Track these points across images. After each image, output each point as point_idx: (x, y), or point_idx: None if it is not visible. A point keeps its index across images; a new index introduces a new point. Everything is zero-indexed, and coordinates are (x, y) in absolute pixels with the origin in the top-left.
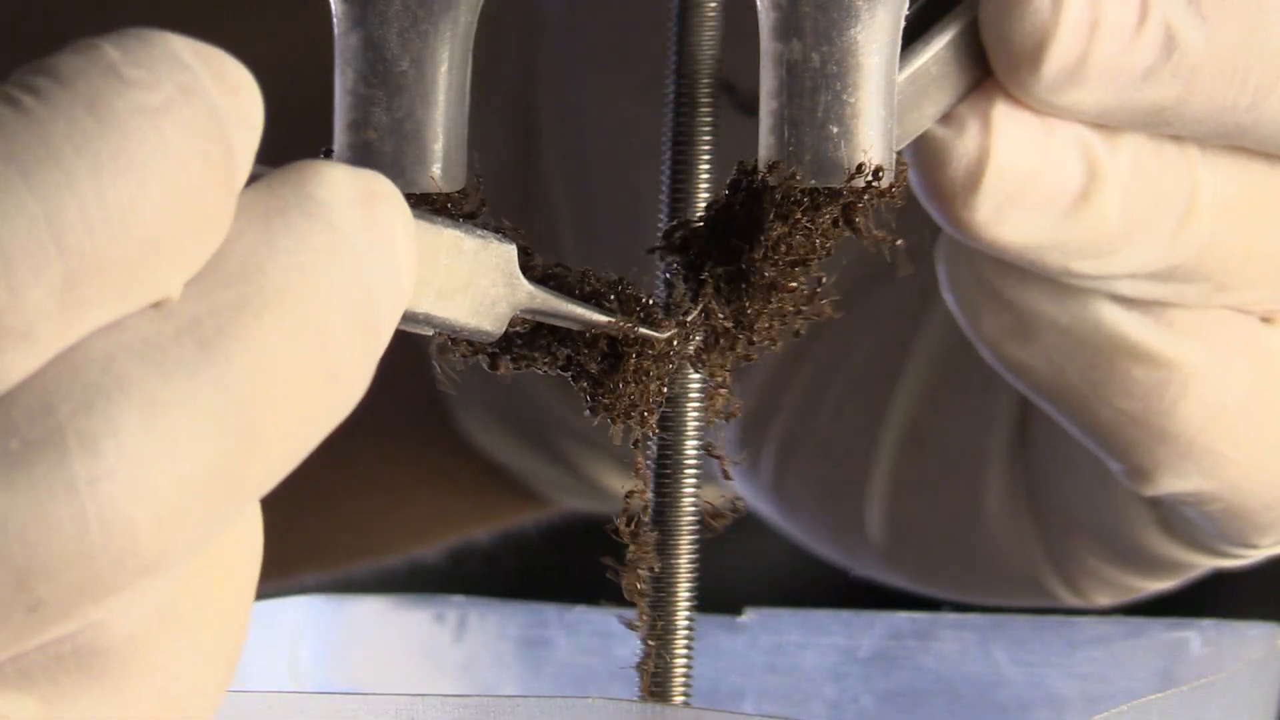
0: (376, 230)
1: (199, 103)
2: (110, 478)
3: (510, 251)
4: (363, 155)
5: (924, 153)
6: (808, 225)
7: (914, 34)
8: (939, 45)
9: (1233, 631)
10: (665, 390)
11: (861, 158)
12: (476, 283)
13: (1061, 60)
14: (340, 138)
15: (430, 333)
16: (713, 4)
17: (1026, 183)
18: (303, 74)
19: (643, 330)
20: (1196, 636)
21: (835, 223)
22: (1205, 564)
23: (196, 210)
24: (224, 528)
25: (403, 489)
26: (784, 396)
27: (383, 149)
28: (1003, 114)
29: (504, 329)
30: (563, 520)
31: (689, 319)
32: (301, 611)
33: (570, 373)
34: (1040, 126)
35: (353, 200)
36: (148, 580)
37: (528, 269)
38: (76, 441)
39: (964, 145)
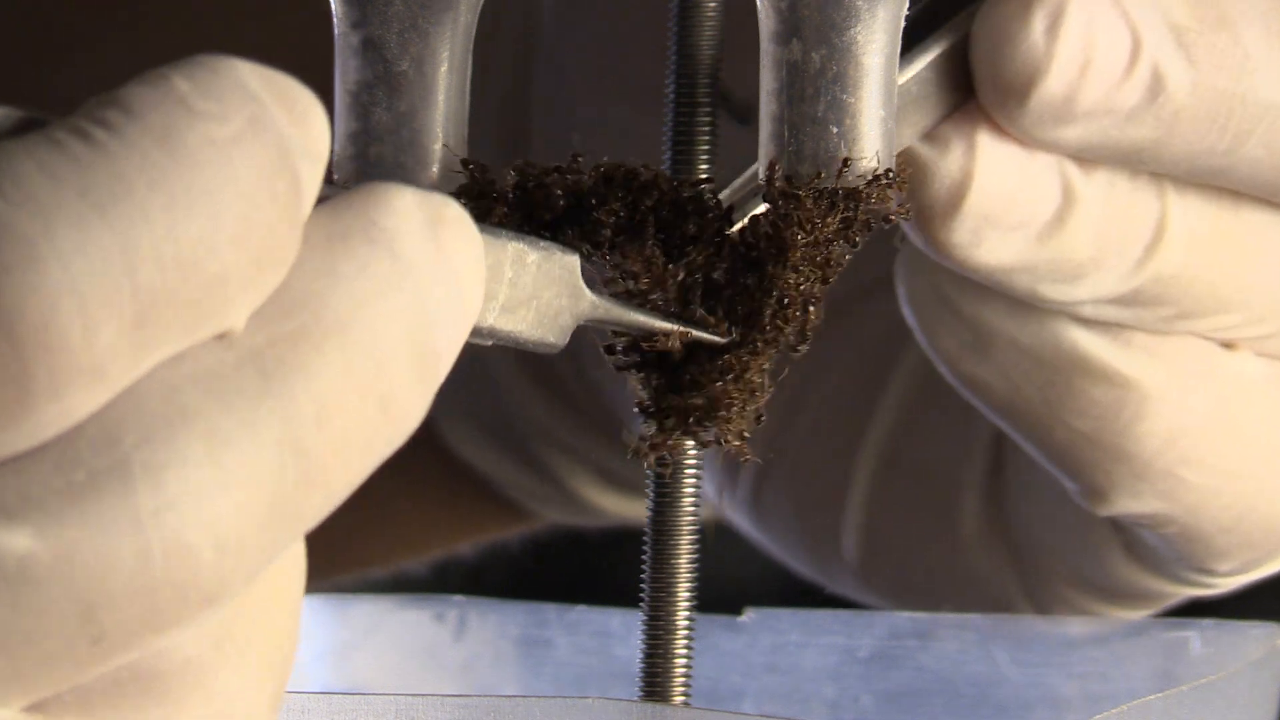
0: (442, 256)
1: (268, 135)
2: (174, 508)
3: (573, 262)
4: (363, 155)
5: (904, 171)
6: (820, 227)
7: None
8: (920, 66)
9: (1233, 631)
10: (754, 399)
11: (863, 157)
12: (540, 295)
13: (1050, 97)
14: (340, 138)
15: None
16: (713, 4)
17: (1005, 206)
18: (305, 73)
19: (697, 334)
20: (1196, 636)
21: (844, 223)
22: (1173, 592)
23: (264, 245)
24: (280, 556)
25: (386, 501)
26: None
27: (383, 149)
28: (987, 137)
29: (567, 340)
30: (547, 534)
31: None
32: (302, 611)
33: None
34: (1021, 151)
35: (418, 225)
36: (209, 610)
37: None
38: (142, 472)
39: (947, 166)
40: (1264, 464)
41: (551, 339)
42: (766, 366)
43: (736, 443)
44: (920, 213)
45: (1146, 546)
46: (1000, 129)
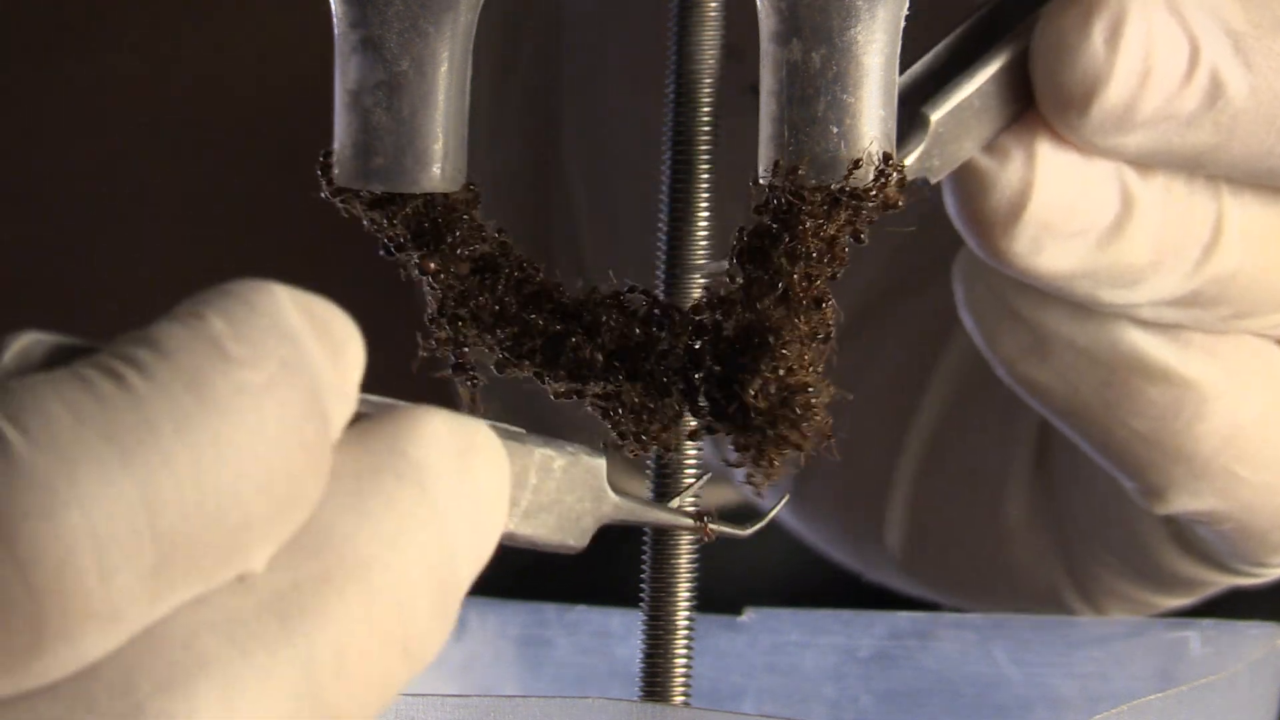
0: (468, 487)
1: (301, 380)
2: None
3: (599, 466)
4: (363, 155)
5: (965, 181)
6: (824, 227)
7: (956, 63)
8: (983, 79)
9: (1233, 631)
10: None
11: (862, 157)
12: (563, 499)
13: (1111, 106)
14: (340, 137)
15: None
16: (713, 4)
17: (1065, 214)
18: (303, 71)
19: (717, 528)
20: (1196, 636)
21: (847, 223)
22: (1220, 581)
23: (289, 490)
24: None
25: None
26: None
27: (383, 149)
28: (1046, 147)
29: (587, 542)
30: None
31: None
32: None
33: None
34: (1080, 159)
35: (448, 455)
36: None
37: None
38: None
39: (1008, 176)
40: None
41: (571, 541)
42: (807, 361)
43: (822, 437)
44: (981, 222)
45: (1197, 537)
46: (1059, 138)
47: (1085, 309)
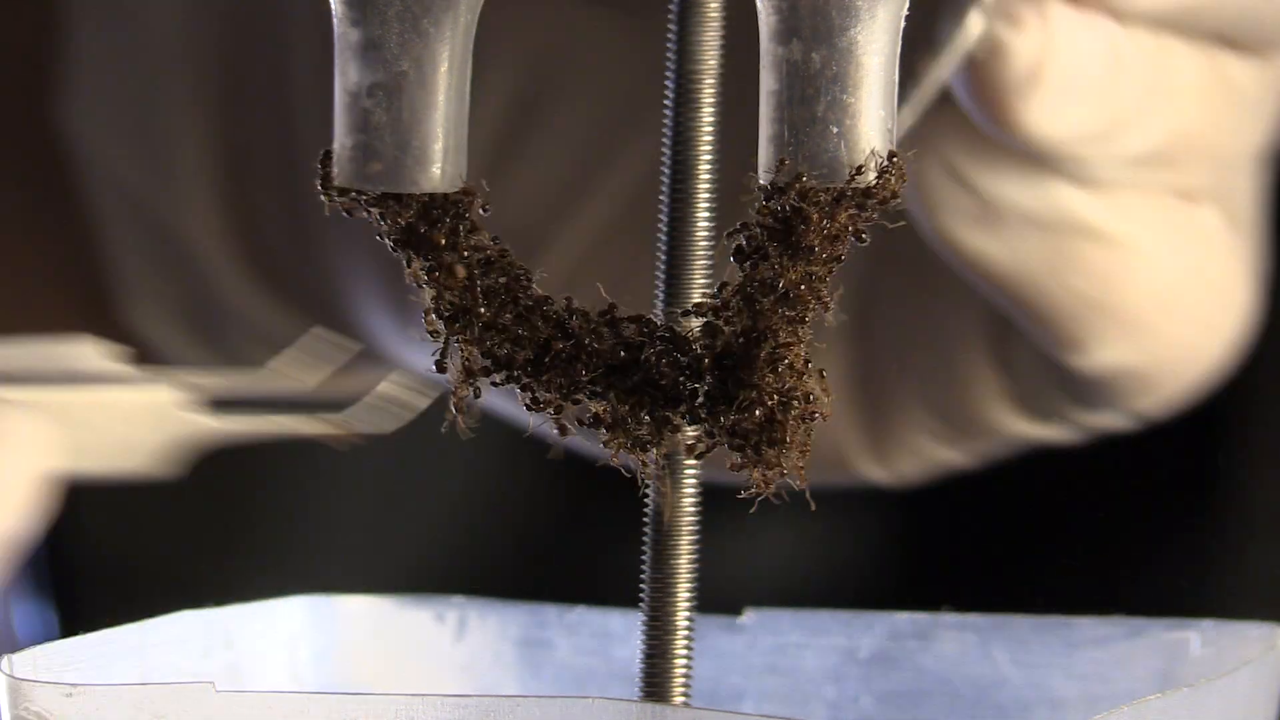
0: None
1: None
2: None
3: (178, 396)
4: (362, 155)
5: (979, 53)
6: (826, 226)
7: None
8: None
9: (1233, 631)
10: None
11: (862, 158)
12: (134, 434)
13: None
14: (340, 138)
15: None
16: (714, 4)
17: (1073, 77)
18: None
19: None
20: (1196, 636)
21: (849, 221)
22: (1037, 434)
23: None
24: None
25: None
26: None
27: (382, 149)
28: (1058, 9)
29: (169, 467)
30: (547, 534)
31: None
32: (301, 611)
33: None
34: (1080, 18)
35: None
36: None
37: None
38: None
39: (1024, 43)
40: (1224, 309)
41: (144, 469)
42: (804, 363)
43: (798, 464)
44: (998, 91)
45: (1038, 393)
46: None
47: (1034, 176)
